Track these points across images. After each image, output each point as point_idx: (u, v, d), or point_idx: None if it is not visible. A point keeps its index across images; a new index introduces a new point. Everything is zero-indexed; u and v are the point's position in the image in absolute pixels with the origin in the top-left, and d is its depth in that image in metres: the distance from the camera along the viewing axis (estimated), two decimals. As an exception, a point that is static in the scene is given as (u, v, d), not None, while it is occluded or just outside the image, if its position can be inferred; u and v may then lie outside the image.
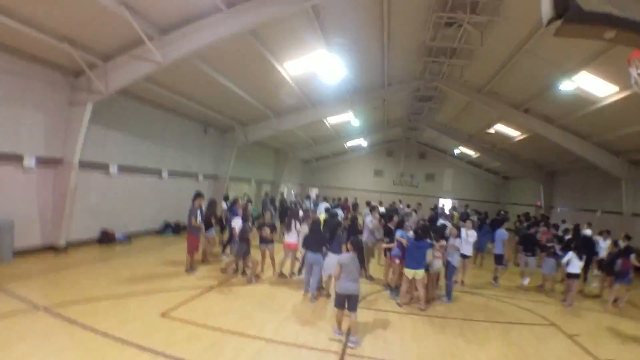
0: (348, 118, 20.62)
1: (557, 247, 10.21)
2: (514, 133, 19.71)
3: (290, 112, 17.51)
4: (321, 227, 8.81)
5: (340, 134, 25.73)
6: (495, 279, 10.94)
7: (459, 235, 9.57)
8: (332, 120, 21.03)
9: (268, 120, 17.55)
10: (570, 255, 9.15)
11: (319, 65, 12.58)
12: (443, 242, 8.70)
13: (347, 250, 6.21)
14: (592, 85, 11.48)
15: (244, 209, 10.16)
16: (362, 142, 29.85)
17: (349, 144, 30.55)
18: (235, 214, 10.20)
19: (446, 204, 31.92)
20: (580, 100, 12.64)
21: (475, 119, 20.85)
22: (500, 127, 19.61)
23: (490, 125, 19.83)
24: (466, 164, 32.48)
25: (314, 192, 33.04)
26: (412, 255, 7.95)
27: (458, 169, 33.20)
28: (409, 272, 7.93)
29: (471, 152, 28.57)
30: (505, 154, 24.29)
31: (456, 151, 29.24)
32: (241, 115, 16.89)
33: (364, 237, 10.62)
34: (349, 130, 24.53)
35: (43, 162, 9.60)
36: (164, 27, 8.97)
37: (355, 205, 16.44)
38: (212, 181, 18.30)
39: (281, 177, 27.52)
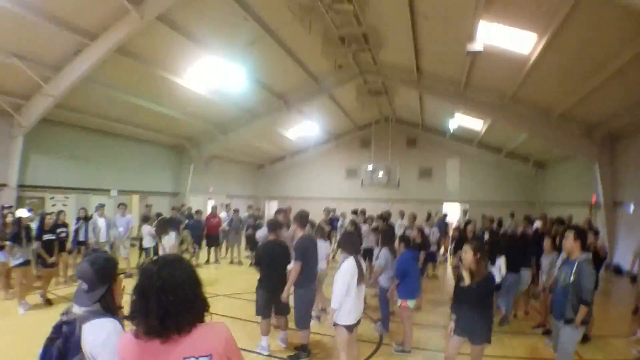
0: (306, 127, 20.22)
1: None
2: (527, 40, 9.59)
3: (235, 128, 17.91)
4: None
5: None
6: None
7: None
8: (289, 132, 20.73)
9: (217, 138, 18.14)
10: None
11: (221, 74, 12.48)
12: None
13: None
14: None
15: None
16: (312, 128, 20.27)
17: (296, 133, 21.07)
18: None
19: (452, 210, 21.22)
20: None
21: (442, 40, 11.07)
22: (491, 29, 9.49)
23: (469, 36, 9.77)
24: (477, 149, 21.46)
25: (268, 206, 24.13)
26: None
27: (466, 158, 22.27)
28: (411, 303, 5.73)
29: (477, 123, 17.82)
30: (528, 111, 13.66)
31: (453, 124, 18.28)
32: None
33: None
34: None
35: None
36: (55, 66, 10.31)
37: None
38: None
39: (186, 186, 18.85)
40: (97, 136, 14.68)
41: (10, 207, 9.28)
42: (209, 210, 14.19)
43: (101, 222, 10.17)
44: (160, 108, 14.07)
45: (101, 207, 10.39)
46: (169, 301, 1.59)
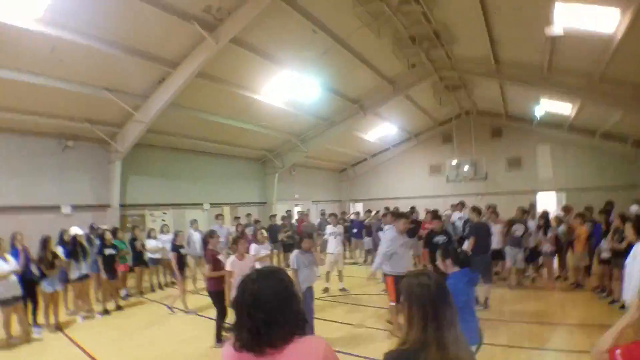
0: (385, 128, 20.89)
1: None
2: (610, 17, 9.10)
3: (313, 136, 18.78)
4: None
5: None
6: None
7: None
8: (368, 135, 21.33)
9: (297, 147, 19.17)
10: None
11: (297, 86, 13.15)
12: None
13: None
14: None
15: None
16: (390, 129, 20.54)
17: (375, 135, 21.47)
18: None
19: (547, 201, 20.14)
20: None
21: (518, 26, 10.88)
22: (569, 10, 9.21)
23: (547, 20, 9.56)
24: (568, 133, 20.05)
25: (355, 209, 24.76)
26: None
27: (558, 143, 20.88)
28: None
29: (565, 106, 16.84)
30: (619, 89, 12.70)
31: (539, 111, 17.43)
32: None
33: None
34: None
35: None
36: (144, 95, 11.72)
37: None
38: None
39: (272, 195, 20.05)
40: (187, 155, 16.25)
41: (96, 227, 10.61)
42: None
43: (196, 236, 11.32)
44: (242, 124, 15.15)
45: (195, 222, 11.74)
46: (259, 317, 1.59)
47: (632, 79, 11.90)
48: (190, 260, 10.85)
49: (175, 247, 8.93)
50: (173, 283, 11.10)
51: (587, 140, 19.61)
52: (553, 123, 19.72)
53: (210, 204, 17.03)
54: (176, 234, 9.33)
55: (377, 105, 17.05)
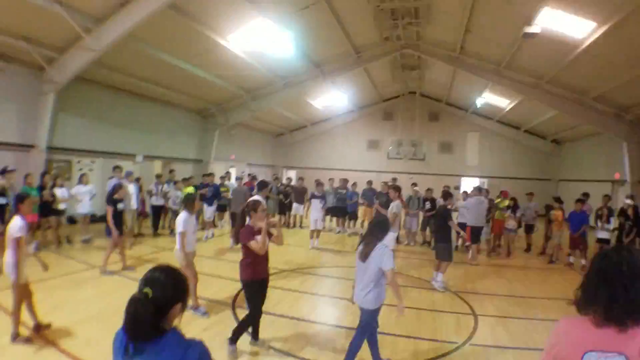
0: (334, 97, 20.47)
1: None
2: (585, 27, 9.96)
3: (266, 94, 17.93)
4: None
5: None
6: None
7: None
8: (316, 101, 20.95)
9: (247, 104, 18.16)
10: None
11: (268, 38, 12.13)
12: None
13: None
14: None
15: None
16: (339, 98, 20.50)
17: (323, 102, 21.33)
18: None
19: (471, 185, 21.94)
20: None
21: (498, 21, 11.37)
22: (552, 15, 9.89)
23: (528, 19, 10.15)
24: (498, 125, 22.09)
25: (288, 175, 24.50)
26: None
27: (486, 133, 22.84)
28: None
29: (503, 101, 18.39)
30: (563, 92, 14.15)
31: (480, 101, 18.79)
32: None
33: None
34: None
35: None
36: (99, 17, 9.51)
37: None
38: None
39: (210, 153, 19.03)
40: (127, 98, 14.36)
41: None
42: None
43: (131, 188, 10.18)
44: (195, 70, 13.60)
45: (118, 169, 10.28)
46: (636, 289, 1.56)
47: (579, 84, 13.30)
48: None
49: (113, 201, 7.58)
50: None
51: (512, 132, 21.70)
52: (486, 113, 21.42)
53: (144, 156, 15.28)
54: (117, 187, 7.89)
55: (338, 73, 16.86)
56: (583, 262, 9.56)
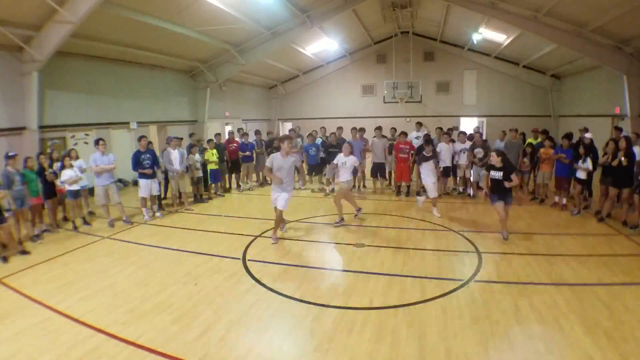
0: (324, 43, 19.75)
1: None
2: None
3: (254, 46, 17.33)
4: None
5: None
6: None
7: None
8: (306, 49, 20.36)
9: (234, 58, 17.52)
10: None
11: None
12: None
13: None
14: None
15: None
16: (330, 44, 19.67)
17: (313, 49, 20.56)
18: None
19: (469, 125, 21.62)
20: None
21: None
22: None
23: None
24: (496, 61, 21.26)
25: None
26: None
27: (484, 70, 22.01)
28: None
29: (500, 36, 17.58)
30: (561, 24, 13.42)
31: (476, 37, 17.96)
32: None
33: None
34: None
35: None
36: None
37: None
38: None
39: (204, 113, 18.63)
40: (113, 66, 14.08)
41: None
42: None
43: (175, 154, 10.32)
44: (178, 28, 13.16)
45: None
46: None
47: (578, 16, 12.60)
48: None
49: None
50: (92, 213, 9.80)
51: (511, 68, 20.98)
52: (482, 50, 20.60)
53: (138, 122, 15.17)
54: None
55: (326, 17, 16.02)
56: (564, 201, 9.52)
